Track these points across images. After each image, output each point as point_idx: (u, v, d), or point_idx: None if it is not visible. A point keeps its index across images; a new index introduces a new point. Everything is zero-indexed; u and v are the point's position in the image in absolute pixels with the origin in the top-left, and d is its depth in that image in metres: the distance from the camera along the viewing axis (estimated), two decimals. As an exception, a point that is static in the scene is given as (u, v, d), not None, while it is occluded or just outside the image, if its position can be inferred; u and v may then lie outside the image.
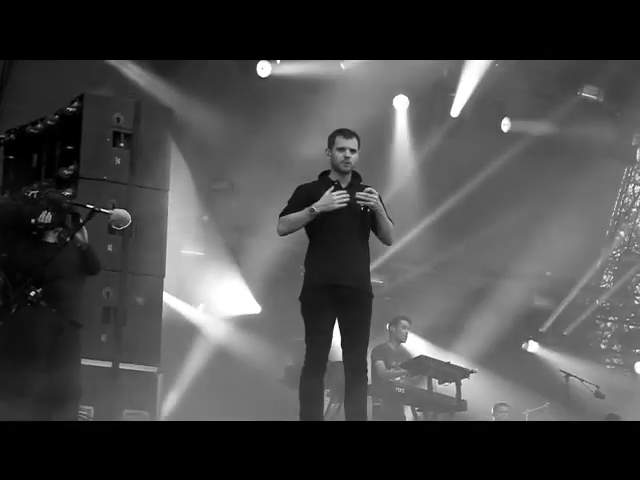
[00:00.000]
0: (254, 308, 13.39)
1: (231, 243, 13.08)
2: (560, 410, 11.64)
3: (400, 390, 9.19)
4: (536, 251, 13.97)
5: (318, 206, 5.86)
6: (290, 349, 10.36)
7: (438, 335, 13.77)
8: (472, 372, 9.36)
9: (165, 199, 8.45)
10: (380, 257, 13.09)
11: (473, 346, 13.62)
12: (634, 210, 16.37)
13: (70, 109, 8.32)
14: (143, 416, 7.82)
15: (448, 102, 13.39)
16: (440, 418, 9.18)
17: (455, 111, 13.43)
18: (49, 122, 8.51)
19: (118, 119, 8.33)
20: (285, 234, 6.02)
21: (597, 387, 10.80)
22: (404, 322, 9.98)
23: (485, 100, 13.52)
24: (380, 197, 5.98)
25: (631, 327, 16.88)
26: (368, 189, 5.91)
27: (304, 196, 5.98)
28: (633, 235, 16.55)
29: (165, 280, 8.41)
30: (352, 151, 5.99)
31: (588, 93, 13.91)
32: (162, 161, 8.50)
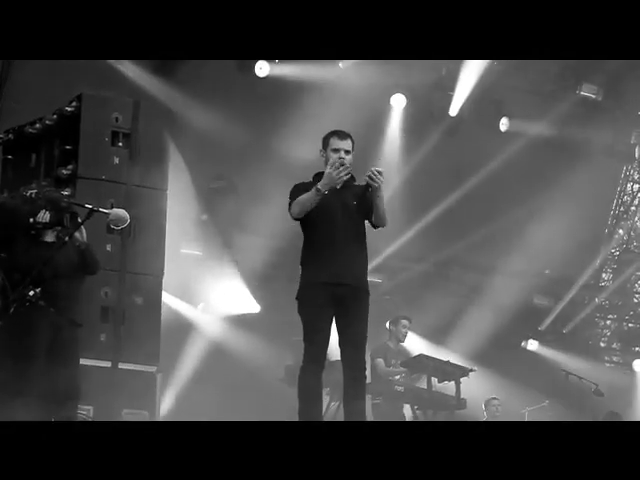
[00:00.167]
0: (253, 307, 13.38)
1: (230, 242, 13.07)
2: (559, 408, 11.67)
3: (399, 389, 9.20)
4: (535, 249, 13.97)
5: (323, 185, 5.86)
6: (289, 348, 10.36)
7: (437, 333, 13.77)
8: (471, 371, 9.37)
9: (164, 198, 8.45)
10: (379, 255, 13.10)
11: (472, 344, 13.61)
12: (633, 208, 16.35)
13: (69, 109, 8.32)
14: (142, 416, 7.82)
15: (446, 101, 13.38)
16: (439, 417, 9.18)
17: (454, 110, 13.41)
18: (48, 122, 8.50)
19: (117, 119, 8.33)
20: (299, 216, 5.97)
21: (596, 385, 10.81)
22: (404, 322, 9.98)
23: (484, 99, 13.50)
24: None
25: (630, 325, 16.86)
26: (379, 169, 5.90)
27: (304, 192, 5.97)
28: (632, 233, 16.53)
29: (164, 279, 8.41)
30: (346, 152, 5.99)
31: (587, 92, 13.89)
32: (161, 160, 8.50)
